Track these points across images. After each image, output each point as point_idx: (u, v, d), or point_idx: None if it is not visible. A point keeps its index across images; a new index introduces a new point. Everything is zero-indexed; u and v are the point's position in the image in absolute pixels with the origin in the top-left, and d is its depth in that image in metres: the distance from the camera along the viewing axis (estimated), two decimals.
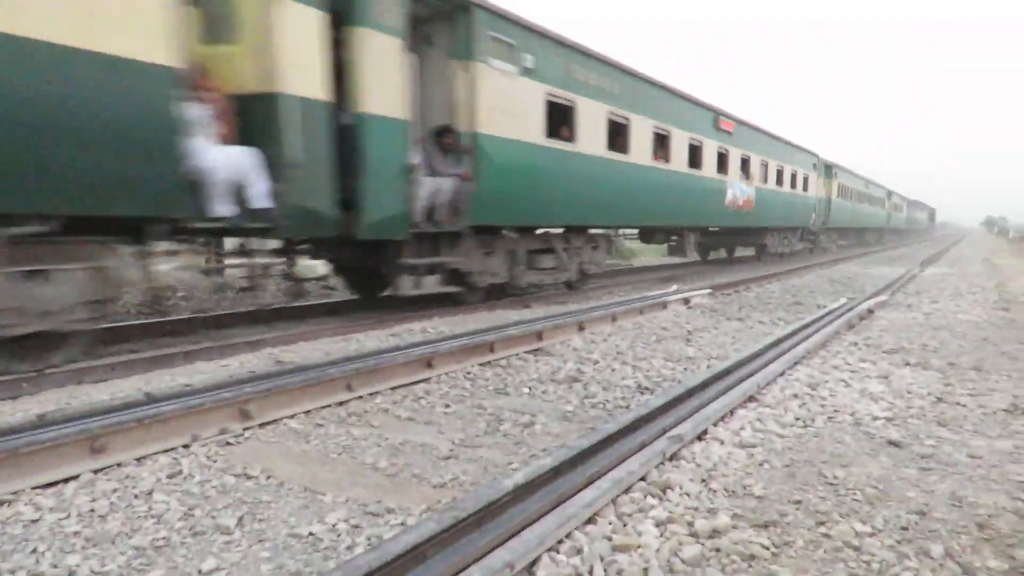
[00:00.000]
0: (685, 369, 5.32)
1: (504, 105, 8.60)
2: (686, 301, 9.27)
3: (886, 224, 42.07)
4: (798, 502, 2.76)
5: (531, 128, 9.16)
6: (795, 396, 4.35)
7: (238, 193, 5.83)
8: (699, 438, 3.45)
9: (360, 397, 4.31)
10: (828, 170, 26.37)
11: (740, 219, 17.52)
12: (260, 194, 5.91)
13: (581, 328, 6.81)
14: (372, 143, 6.77)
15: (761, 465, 3.17)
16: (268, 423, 3.76)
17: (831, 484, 2.95)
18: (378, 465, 3.24)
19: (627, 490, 2.76)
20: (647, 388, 4.73)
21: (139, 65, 4.85)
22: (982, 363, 5.49)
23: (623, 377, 5.04)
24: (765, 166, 18.94)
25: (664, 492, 2.78)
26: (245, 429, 3.64)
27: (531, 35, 9.08)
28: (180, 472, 3.07)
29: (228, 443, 3.48)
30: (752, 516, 2.61)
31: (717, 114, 15.37)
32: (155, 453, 3.24)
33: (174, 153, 5.18)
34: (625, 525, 2.51)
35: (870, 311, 8.41)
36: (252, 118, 5.93)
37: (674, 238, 16.45)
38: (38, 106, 4.40)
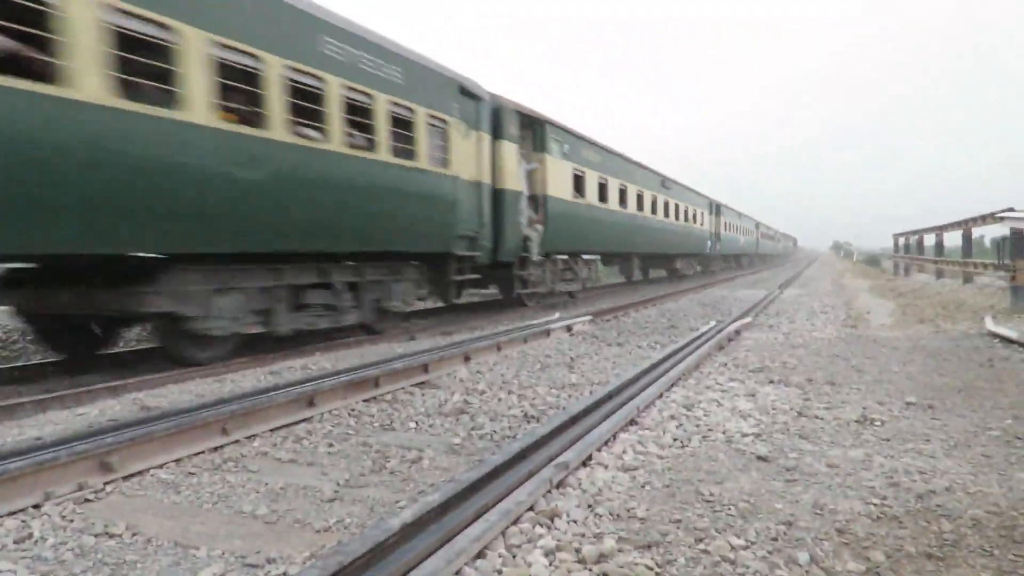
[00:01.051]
0: (569, 396, 5.44)
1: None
2: (568, 328, 9.50)
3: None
4: (678, 521, 2.87)
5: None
6: (672, 417, 4.54)
7: None
8: (584, 464, 3.53)
9: (237, 441, 4.09)
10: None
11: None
12: None
13: (467, 359, 6.82)
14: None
15: (643, 487, 3.28)
16: (133, 475, 3.49)
17: (708, 501, 3.09)
18: (257, 512, 3.08)
19: (516, 521, 2.78)
20: (533, 417, 4.80)
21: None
22: (835, 377, 5.96)
23: (509, 407, 5.08)
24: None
25: (552, 520, 2.81)
26: (107, 483, 3.36)
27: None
28: (30, 536, 2.79)
29: (87, 500, 3.20)
30: (636, 538, 2.69)
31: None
32: (0, 516, 2.93)
33: None
34: (514, 557, 2.52)
35: (737, 332, 8.96)
36: None
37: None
38: None
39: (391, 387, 5.53)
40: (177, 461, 3.72)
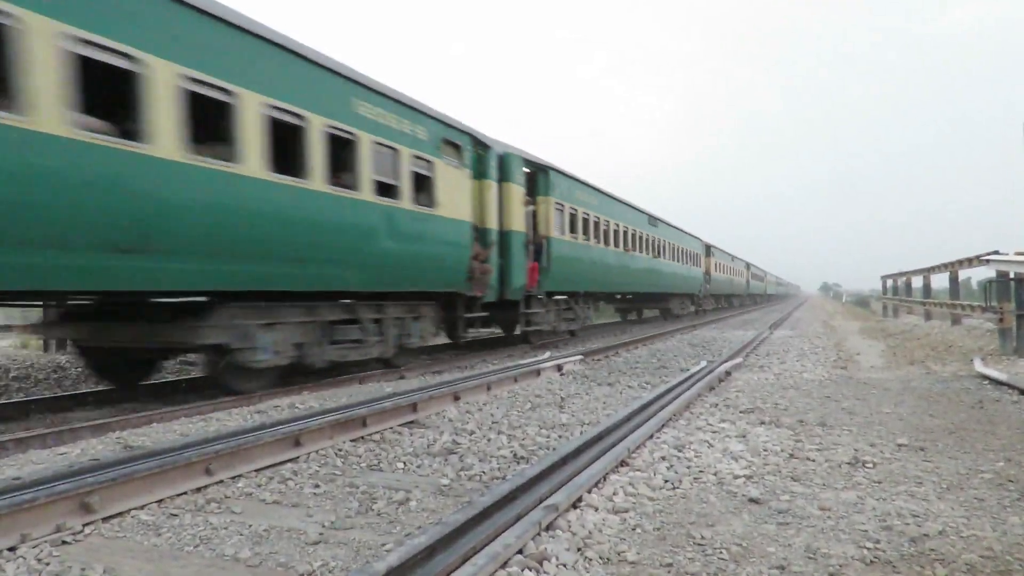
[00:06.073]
0: (559, 436, 5.39)
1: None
2: (559, 368, 9.46)
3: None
4: (669, 565, 2.82)
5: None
6: (663, 458, 4.50)
7: None
8: (574, 506, 3.48)
9: (221, 481, 4.01)
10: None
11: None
12: None
13: (456, 398, 6.76)
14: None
15: (634, 530, 3.23)
16: (113, 516, 3.41)
17: (699, 544, 3.05)
18: (239, 555, 3.00)
19: (504, 565, 2.72)
20: (523, 457, 4.74)
21: None
22: (826, 419, 5.94)
23: (499, 447, 5.02)
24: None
25: (541, 564, 2.76)
26: (86, 525, 3.28)
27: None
28: None
29: (64, 542, 3.12)
30: None
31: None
32: None
33: None
34: None
35: (728, 373, 8.94)
36: None
37: None
38: None
39: (379, 427, 5.46)
40: (159, 502, 3.65)
